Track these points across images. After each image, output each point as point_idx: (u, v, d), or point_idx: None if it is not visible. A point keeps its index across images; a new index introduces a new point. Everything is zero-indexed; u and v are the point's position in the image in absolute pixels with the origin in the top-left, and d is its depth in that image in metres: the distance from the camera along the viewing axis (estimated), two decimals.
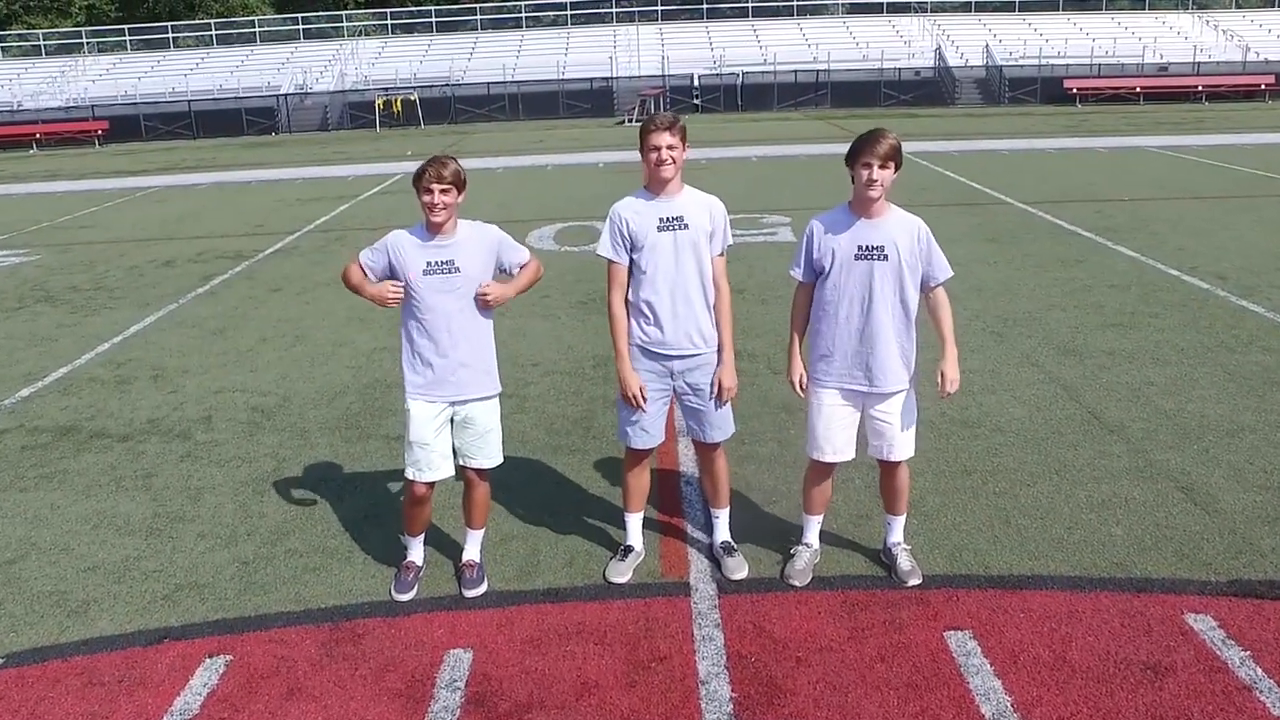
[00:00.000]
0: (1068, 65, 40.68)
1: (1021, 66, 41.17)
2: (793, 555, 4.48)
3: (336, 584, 4.53)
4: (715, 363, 4.28)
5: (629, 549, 4.52)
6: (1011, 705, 3.51)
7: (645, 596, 4.32)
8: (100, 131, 38.63)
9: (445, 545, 4.81)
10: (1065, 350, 7.47)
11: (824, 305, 4.15)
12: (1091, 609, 4.08)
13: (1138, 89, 37.95)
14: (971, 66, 42.45)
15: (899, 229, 4.05)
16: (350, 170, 23.21)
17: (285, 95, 42.05)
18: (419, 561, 4.54)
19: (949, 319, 4.22)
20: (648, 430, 4.30)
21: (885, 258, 4.01)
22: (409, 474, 4.30)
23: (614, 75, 43.06)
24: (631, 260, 4.15)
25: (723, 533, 4.59)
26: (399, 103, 38.95)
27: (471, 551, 4.53)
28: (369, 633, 4.13)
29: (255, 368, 7.95)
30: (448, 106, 41.83)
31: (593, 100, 42.60)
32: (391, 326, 8.75)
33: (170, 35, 49.93)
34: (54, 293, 11.17)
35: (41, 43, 51.12)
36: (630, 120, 35.96)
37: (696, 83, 42.49)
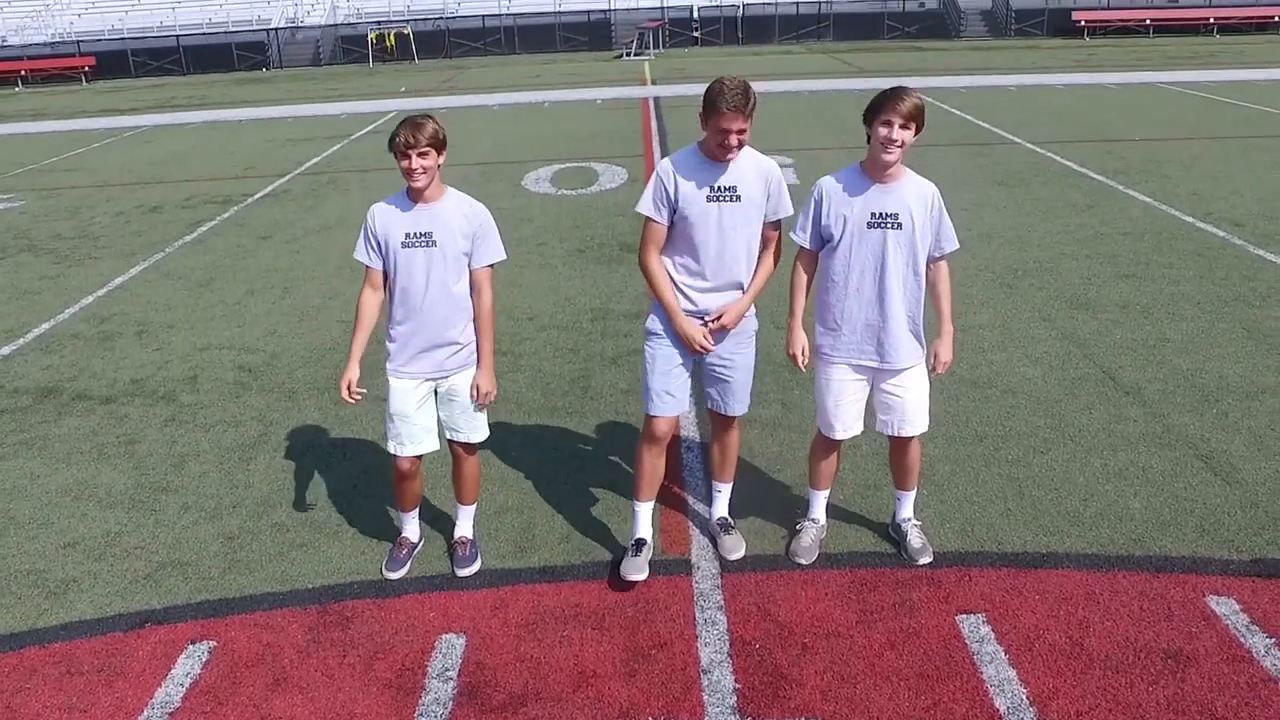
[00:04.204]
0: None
1: None
2: (798, 531, 4.31)
3: (324, 561, 4.36)
4: (749, 332, 4.04)
5: (641, 542, 4.21)
6: (1027, 698, 3.36)
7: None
8: (87, 68, 37.77)
9: (438, 519, 4.64)
10: (1078, 303, 7.23)
11: (832, 275, 3.90)
12: (1109, 590, 3.92)
13: (1147, 21, 37.02)
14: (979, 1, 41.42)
15: (914, 195, 3.78)
16: (342, 108, 22.64)
17: (276, 30, 41.06)
18: (414, 538, 4.37)
19: (948, 295, 3.98)
20: (674, 394, 3.98)
21: (900, 226, 3.76)
22: (390, 448, 4.11)
23: (611, 8, 41.98)
24: (673, 223, 3.84)
25: (721, 508, 4.41)
26: (392, 36, 38.04)
27: (463, 528, 4.36)
28: (358, 615, 3.97)
29: (243, 322, 7.71)
30: (442, 40, 40.90)
31: (590, 33, 41.65)
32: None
33: None
34: (38, 241, 10.88)
35: None
36: (629, 54, 35.13)
37: (695, 15, 41.48)
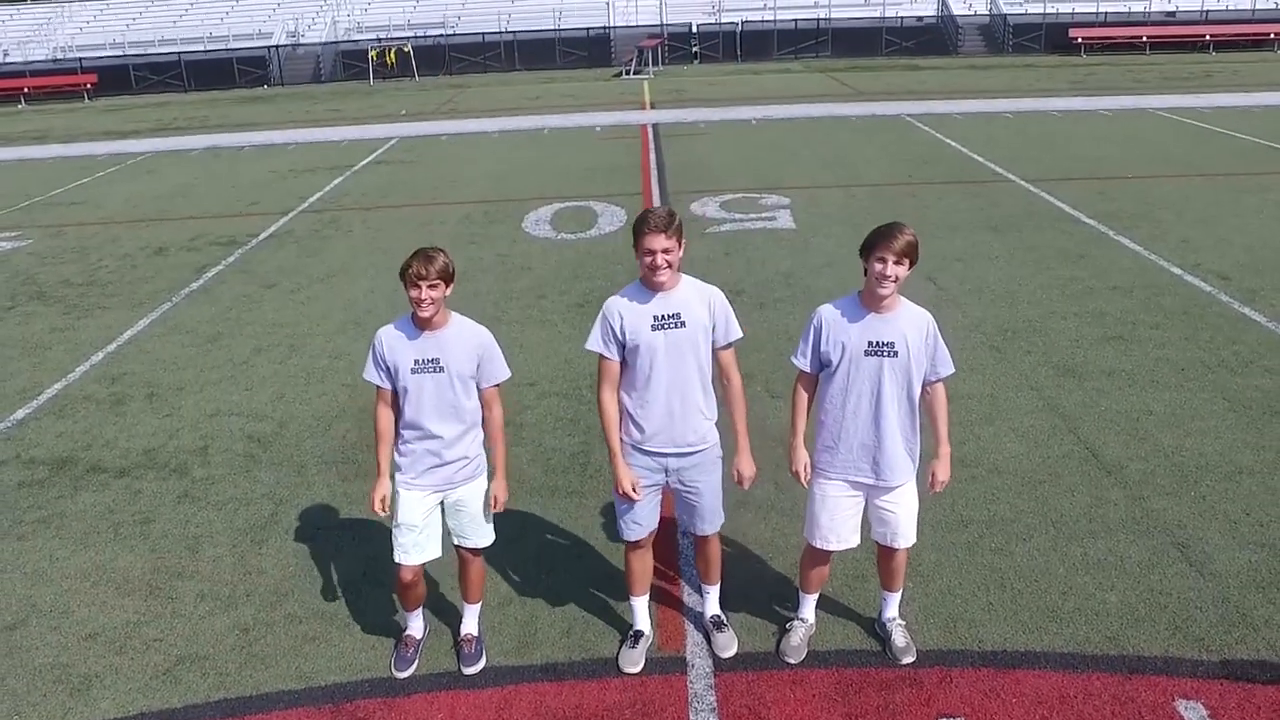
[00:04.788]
0: (1073, 11, 39.86)
1: (1026, 14, 40.34)
2: (788, 630, 4.51)
3: (337, 656, 4.56)
4: (713, 458, 4.23)
5: (639, 634, 4.47)
6: None
7: (642, 674, 4.35)
8: (89, 85, 38.01)
9: (445, 610, 4.83)
10: (1065, 369, 7.43)
11: (830, 397, 4.10)
12: (1083, 694, 4.11)
13: (1144, 38, 37.26)
14: (976, 15, 41.62)
15: (909, 324, 3.98)
16: (344, 133, 22.86)
17: (277, 47, 41.30)
18: (418, 635, 4.56)
19: (945, 416, 4.19)
20: (640, 523, 4.27)
21: (895, 354, 3.95)
22: (396, 557, 4.29)
23: (611, 25, 42.22)
24: (624, 358, 4.08)
25: (713, 607, 4.61)
26: (393, 53, 38.25)
27: (469, 625, 4.55)
28: (370, 717, 4.16)
29: (250, 384, 7.91)
30: (442, 56, 41.12)
31: (590, 48, 41.85)
32: None
33: None
34: (46, 288, 11.08)
35: None
36: (628, 73, 35.36)
37: (695, 30, 41.71)
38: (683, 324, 3.99)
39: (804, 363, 4.14)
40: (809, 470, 4.22)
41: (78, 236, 13.72)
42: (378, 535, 5.55)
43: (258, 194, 16.16)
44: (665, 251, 3.86)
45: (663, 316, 3.98)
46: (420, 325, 4.08)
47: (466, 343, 4.12)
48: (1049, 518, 5.47)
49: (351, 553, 5.44)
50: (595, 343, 4.05)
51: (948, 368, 4.10)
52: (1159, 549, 5.12)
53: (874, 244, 3.87)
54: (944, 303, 9.03)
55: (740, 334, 4.15)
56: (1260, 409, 6.67)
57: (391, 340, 4.13)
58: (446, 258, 4.02)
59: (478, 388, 4.19)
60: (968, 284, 9.56)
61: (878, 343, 3.96)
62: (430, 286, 3.96)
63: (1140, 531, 5.29)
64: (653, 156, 17.71)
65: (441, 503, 4.28)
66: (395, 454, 4.24)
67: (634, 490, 4.11)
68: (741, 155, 17.47)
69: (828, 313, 4.08)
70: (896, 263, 3.83)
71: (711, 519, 4.32)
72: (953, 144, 17.76)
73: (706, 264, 10.55)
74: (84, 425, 7.30)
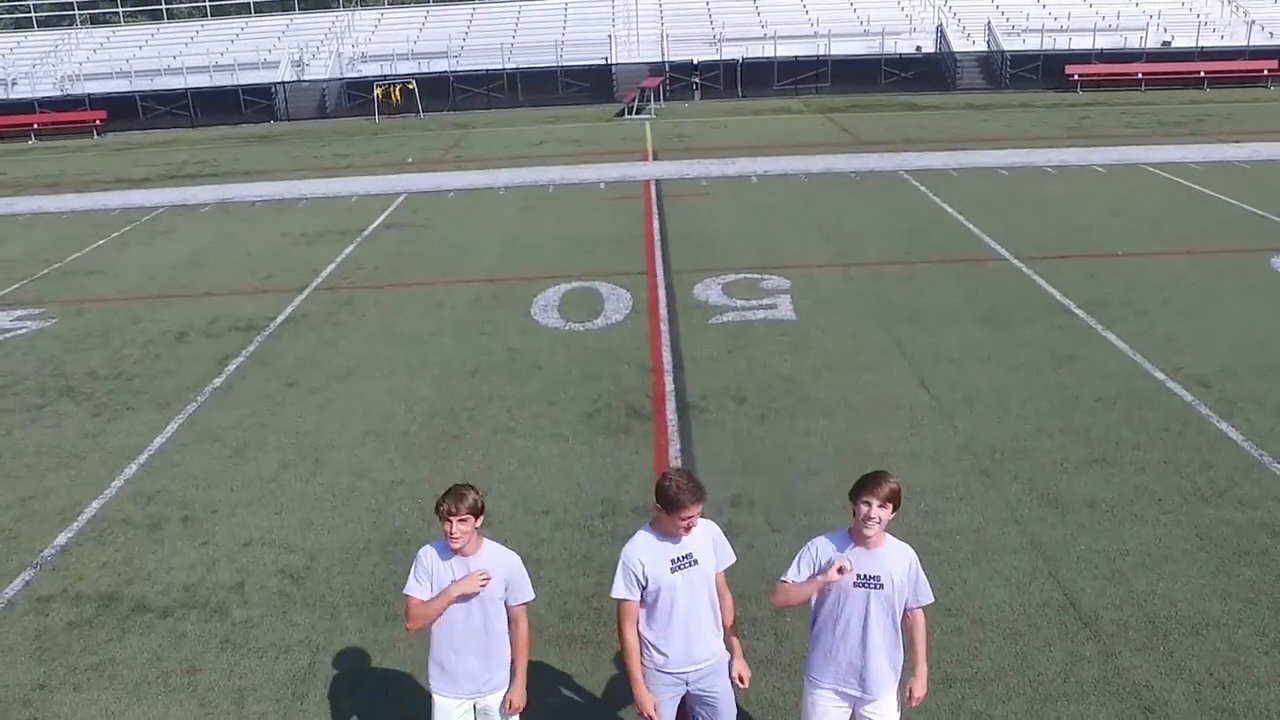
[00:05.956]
0: (1070, 44, 40.33)
1: (1024, 47, 40.83)
2: None
3: None
4: (725, 665, 4.70)
5: None
6: None
7: None
8: (98, 121, 38.55)
9: None
10: (1049, 500, 7.87)
11: (823, 618, 4.56)
12: None
13: (1139, 74, 37.79)
14: (974, 49, 42.14)
15: (894, 560, 4.45)
16: (352, 186, 23.34)
17: (284, 83, 41.88)
18: None
19: (923, 640, 4.65)
20: None
21: (881, 586, 4.42)
22: None
23: (613, 60, 42.79)
24: (644, 598, 4.54)
25: None
26: (398, 92, 38.81)
27: None
28: None
29: (279, 507, 8.36)
30: (446, 87, 41.65)
31: (592, 79, 42.38)
32: (408, 452, 9.18)
33: (164, 5, 49.98)
34: (74, 380, 11.54)
35: (33, 14, 51.06)
36: (630, 113, 35.88)
37: (695, 63, 42.24)
38: (696, 562, 4.53)
39: (796, 577, 4.53)
40: None
41: (99, 316, 14.19)
42: (409, 692, 6.00)
43: (271, 264, 16.63)
44: (698, 514, 4.41)
45: (679, 558, 4.51)
46: (454, 552, 4.55)
47: (496, 569, 4.58)
48: (1027, 675, 5.92)
49: (386, 711, 5.89)
50: (621, 591, 4.55)
51: (928, 597, 4.56)
52: (1127, 714, 5.57)
53: (861, 489, 4.34)
54: (937, 415, 9.49)
55: (734, 559, 4.76)
56: (1230, 548, 7.12)
57: (432, 561, 4.59)
58: (476, 494, 4.49)
59: (505, 605, 4.66)
60: (959, 391, 10.00)
61: (865, 576, 4.42)
62: (460, 521, 4.44)
63: (1110, 692, 5.74)
64: (656, 223, 18.18)
65: (475, 707, 4.74)
66: (430, 663, 4.70)
67: (655, 712, 4.57)
68: (742, 222, 17.93)
69: (822, 544, 4.54)
70: (880, 506, 4.31)
71: (729, 714, 4.80)
72: (949, 210, 18.21)
73: (710, 364, 11.00)
74: (124, 554, 7.75)
